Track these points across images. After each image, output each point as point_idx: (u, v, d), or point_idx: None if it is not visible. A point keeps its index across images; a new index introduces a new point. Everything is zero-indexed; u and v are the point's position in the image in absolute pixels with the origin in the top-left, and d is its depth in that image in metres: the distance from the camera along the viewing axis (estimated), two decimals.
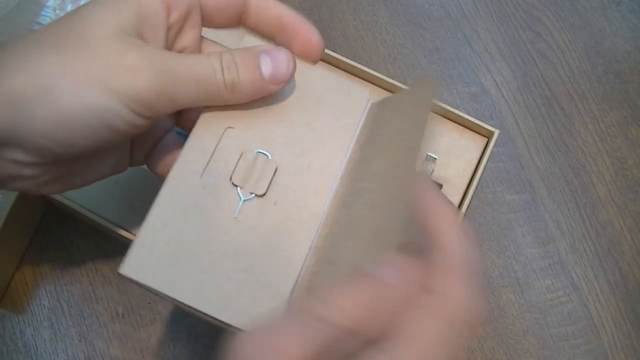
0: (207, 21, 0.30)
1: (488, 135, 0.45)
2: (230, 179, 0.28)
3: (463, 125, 0.45)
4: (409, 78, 0.51)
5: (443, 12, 0.53)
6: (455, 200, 0.43)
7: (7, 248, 0.42)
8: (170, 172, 0.28)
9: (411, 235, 0.23)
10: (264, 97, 0.29)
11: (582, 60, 0.52)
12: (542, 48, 0.52)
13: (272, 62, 0.28)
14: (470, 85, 0.51)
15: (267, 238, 0.28)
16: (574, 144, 0.49)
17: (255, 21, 0.30)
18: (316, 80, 0.31)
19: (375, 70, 0.44)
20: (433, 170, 0.44)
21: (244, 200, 0.28)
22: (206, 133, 0.29)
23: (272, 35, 0.31)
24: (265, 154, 0.29)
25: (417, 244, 0.23)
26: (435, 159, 0.44)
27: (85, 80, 0.25)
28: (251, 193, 0.28)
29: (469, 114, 0.44)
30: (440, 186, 0.44)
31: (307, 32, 0.30)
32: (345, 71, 0.46)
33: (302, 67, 0.31)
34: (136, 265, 0.26)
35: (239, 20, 0.30)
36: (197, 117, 0.29)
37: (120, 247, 0.44)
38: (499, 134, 0.44)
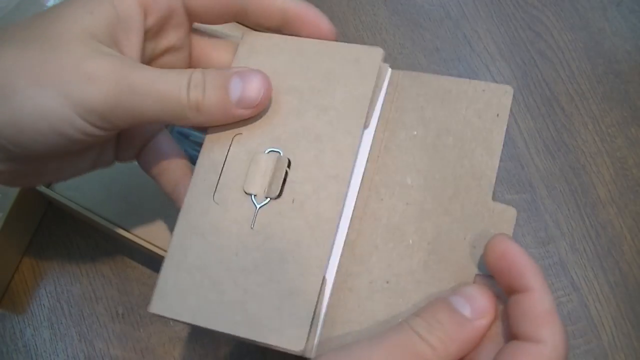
0: (196, 19, 0.29)
1: None
2: (244, 188, 0.27)
3: None
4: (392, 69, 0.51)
5: (443, 12, 0.53)
6: None
7: (7, 248, 0.42)
8: (185, 197, 0.27)
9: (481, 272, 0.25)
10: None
11: (582, 60, 0.52)
12: (542, 48, 0.52)
13: (243, 86, 0.26)
14: None
15: (287, 241, 0.26)
16: (574, 144, 0.49)
17: (255, 16, 0.29)
18: (320, 55, 0.29)
19: None
20: None
21: (259, 208, 0.27)
22: (214, 147, 0.28)
23: (277, 29, 0.29)
24: (276, 152, 0.28)
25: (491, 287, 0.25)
26: None
27: (42, 84, 0.24)
28: (266, 198, 0.27)
29: None
30: None
31: (315, 21, 0.29)
32: None
33: (304, 45, 0.29)
34: (164, 301, 0.26)
35: (234, 16, 0.29)
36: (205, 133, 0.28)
37: (120, 247, 0.44)
38: None
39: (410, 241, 0.27)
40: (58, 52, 0.24)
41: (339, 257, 0.27)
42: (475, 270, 0.25)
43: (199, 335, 0.43)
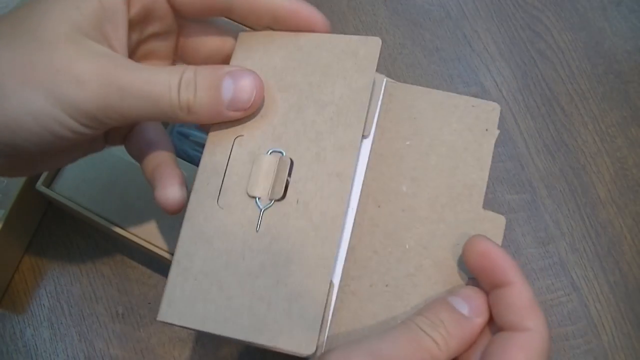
0: (179, 13, 0.28)
1: None
2: (247, 191, 0.27)
3: None
4: (409, 78, 0.51)
5: (443, 12, 0.53)
6: None
7: (7, 248, 0.42)
8: (188, 202, 0.27)
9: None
10: (266, 88, 0.27)
11: (582, 60, 0.52)
12: (542, 48, 0.52)
13: (234, 87, 0.26)
14: (470, 85, 0.51)
15: (293, 243, 0.26)
16: (574, 144, 0.49)
17: (242, 14, 0.28)
18: (318, 49, 0.29)
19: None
20: None
21: (264, 210, 0.27)
22: (216, 150, 0.28)
23: (267, 27, 0.29)
24: (278, 152, 0.28)
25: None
26: None
27: (31, 84, 0.23)
28: (270, 200, 0.27)
29: None
30: None
31: (308, 17, 0.28)
32: None
33: (301, 39, 0.29)
34: (171, 308, 0.26)
35: (219, 13, 0.28)
36: (207, 135, 0.28)
37: (120, 247, 0.44)
38: (499, 134, 0.44)
39: (407, 246, 0.28)
40: (46, 51, 0.24)
41: (343, 262, 0.27)
42: (468, 274, 0.27)
43: (199, 336, 0.43)
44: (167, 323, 0.26)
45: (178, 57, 0.32)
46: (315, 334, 0.25)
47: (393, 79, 0.44)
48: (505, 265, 0.25)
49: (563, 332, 0.45)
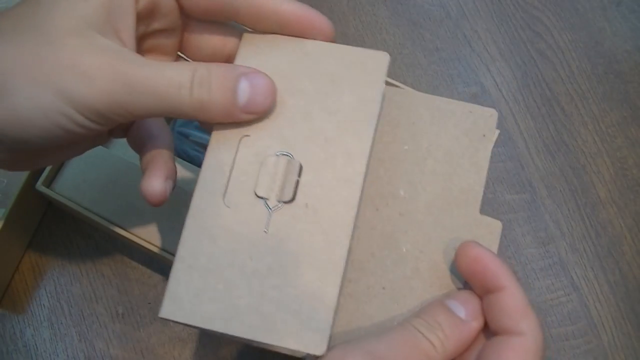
0: (185, 11, 0.28)
1: None
2: (255, 191, 0.27)
3: None
4: (409, 78, 0.51)
5: (443, 12, 0.53)
6: None
7: (7, 248, 0.42)
8: (192, 199, 0.27)
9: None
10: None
11: (582, 60, 0.52)
12: (542, 48, 0.52)
13: (250, 90, 0.26)
14: (470, 85, 0.51)
15: (302, 246, 0.26)
16: (574, 144, 0.49)
17: (248, 18, 0.28)
18: (325, 57, 0.29)
19: None
20: None
21: (273, 211, 0.27)
22: (221, 148, 0.28)
23: (273, 32, 0.28)
24: (287, 155, 0.27)
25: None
26: None
27: (40, 81, 0.23)
28: (279, 201, 0.27)
29: None
30: None
31: (315, 24, 0.28)
32: None
33: (308, 46, 0.29)
34: (174, 306, 0.26)
35: (226, 15, 0.28)
36: (211, 133, 0.28)
37: (120, 247, 0.44)
38: (499, 133, 0.44)
39: (404, 249, 0.28)
40: (54, 47, 0.24)
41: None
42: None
43: (199, 336, 0.43)
44: (169, 320, 0.26)
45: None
46: (326, 334, 0.25)
47: (393, 79, 0.44)
48: (497, 270, 0.25)
49: (563, 332, 0.45)
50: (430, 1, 0.53)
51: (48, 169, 0.40)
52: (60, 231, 0.45)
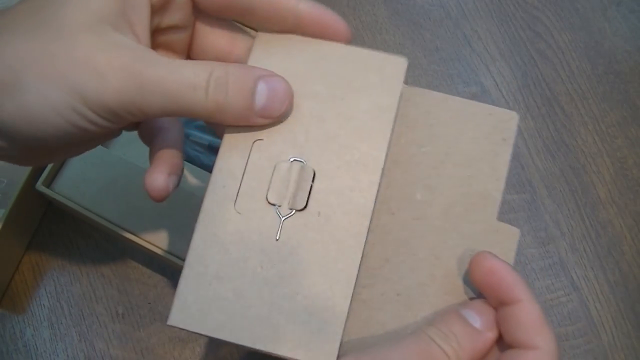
0: (197, 4, 0.28)
1: None
2: (267, 198, 0.26)
3: None
4: (409, 78, 0.51)
5: (443, 12, 0.53)
6: None
7: (7, 248, 0.42)
8: (202, 205, 0.27)
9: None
10: None
11: (582, 60, 0.52)
12: (542, 48, 0.52)
13: (268, 93, 0.25)
14: (470, 85, 0.51)
15: (314, 254, 0.26)
16: (574, 144, 0.49)
17: (264, 16, 0.27)
18: (341, 60, 0.28)
19: None
20: None
21: (284, 219, 0.26)
22: (233, 152, 0.27)
23: (288, 31, 0.28)
24: (300, 161, 0.27)
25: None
26: None
27: (52, 78, 0.23)
28: (290, 209, 0.26)
29: None
30: None
31: (332, 25, 0.27)
32: None
33: (324, 48, 0.28)
34: (183, 313, 0.26)
35: (240, 13, 0.27)
36: (222, 137, 0.27)
37: (120, 247, 0.44)
38: None
39: (420, 255, 0.27)
40: (66, 43, 0.23)
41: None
42: None
43: (199, 336, 0.43)
44: (177, 327, 0.26)
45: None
46: (336, 345, 0.25)
47: None
48: (513, 283, 0.24)
49: (563, 332, 0.45)
50: (430, 1, 0.53)
51: (48, 168, 0.40)
52: (60, 231, 0.45)
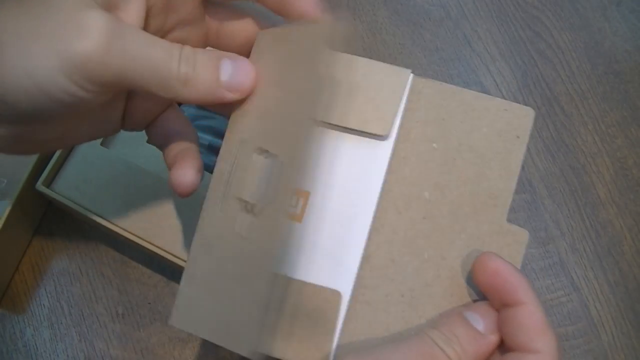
0: None
1: None
2: (240, 196, 0.27)
3: None
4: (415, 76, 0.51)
5: (443, 12, 0.53)
6: None
7: (7, 248, 0.42)
8: (202, 206, 0.27)
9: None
10: (286, 97, 0.27)
11: (582, 60, 0.52)
12: (542, 48, 0.52)
13: (233, 69, 0.27)
14: (470, 85, 0.51)
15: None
16: (574, 144, 0.49)
17: None
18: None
19: None
20: None
21: (256, 216, 0.26)
22: (225, 155, 0.27)
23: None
24: (270, 155, 0.27)
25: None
26: None
27: (31, 37, 0.23)
28: (261, 205, 0.26)
29: None
30: None
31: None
32: None
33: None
34: (182, 315, 0.26)
35: None
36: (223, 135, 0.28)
37: (120, 247, 0.44)
38: None
39: (426, 255, 0.27)
40: (52, 6, 0.24)
41: (356, 270, 0.27)
42: None
43: (199, 336, 0.43)
44: (178, 328, 0.26)
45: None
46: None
47: None
48: (517, 284, 0.24)
49: (563, 332, 0.45)
50: (430, 1, 0.53)
51: (48, 168, 0.40)
52: (60, 231, 0.45)
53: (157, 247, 0.40)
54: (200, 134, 0.44)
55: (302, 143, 0.27)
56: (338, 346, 0.26)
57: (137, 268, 0.44)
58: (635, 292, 0.46)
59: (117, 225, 0.40)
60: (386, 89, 0.27)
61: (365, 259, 0.27)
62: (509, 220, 0.27)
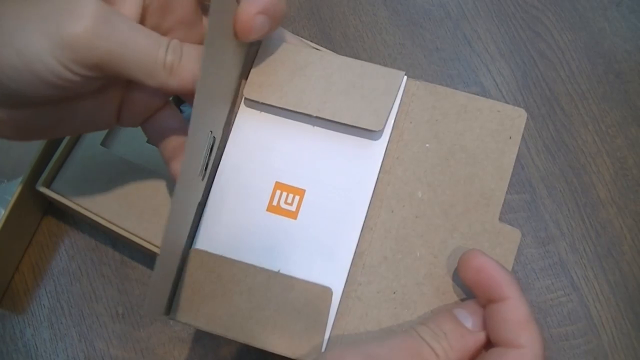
0: None
1: None
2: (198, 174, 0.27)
3: None
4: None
5: (443, 12, 0.53)
6: None
7: (7, 248, 0.42)
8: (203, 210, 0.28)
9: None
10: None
11: (582, 60, 0.52)
12: (542, 48, 0.52)
13: None
14: (470, 85, 0.51)
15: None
16: (574, 144, 0.49)
17: None
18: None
19: None
20: None
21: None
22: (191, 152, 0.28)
23: None
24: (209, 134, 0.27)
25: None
26: None
27: (24, 18, 0.24)
28: (201, 177, 0.27)
29: None
30: None
31: None
32: None
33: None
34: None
35: None
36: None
37: (120, 247, 0.44)
38: None
39: (418, 254, 0.27)
40: None
41: (348, 267, 0.27)
42: None
43: (199, 335, 0.43)
44: (182, 323, 0.27)
45: None
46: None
47: None
48: (501, 280, 0.24)
49: (563, 332, 0.45)
50: (430, 1, 0.53)
51: (48, 168, 0.40)
52: (60, 231, 0.45)
53: (157, 247, 0.40)
54: None
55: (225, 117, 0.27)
56: (329, 341, 0.26)
57: (137, 268, 0.44)
58: (635, 292, 0.46)
59: (117, 225, 0.40)
60: (380, 88, 0.28)
61: (358, 255, 0.27)
62: (509, 221, 0.27)
